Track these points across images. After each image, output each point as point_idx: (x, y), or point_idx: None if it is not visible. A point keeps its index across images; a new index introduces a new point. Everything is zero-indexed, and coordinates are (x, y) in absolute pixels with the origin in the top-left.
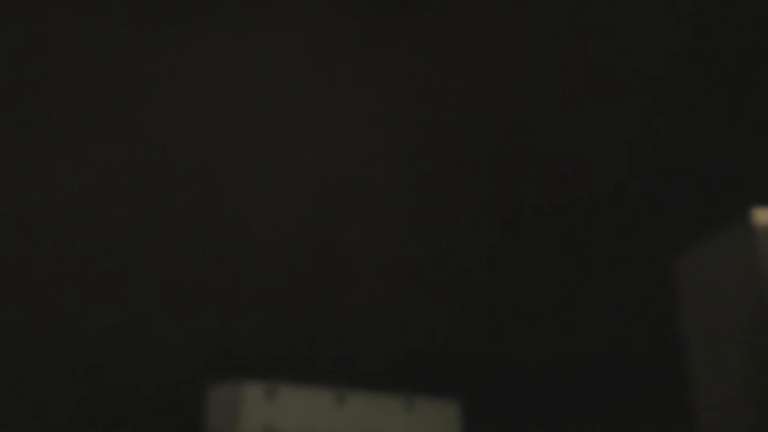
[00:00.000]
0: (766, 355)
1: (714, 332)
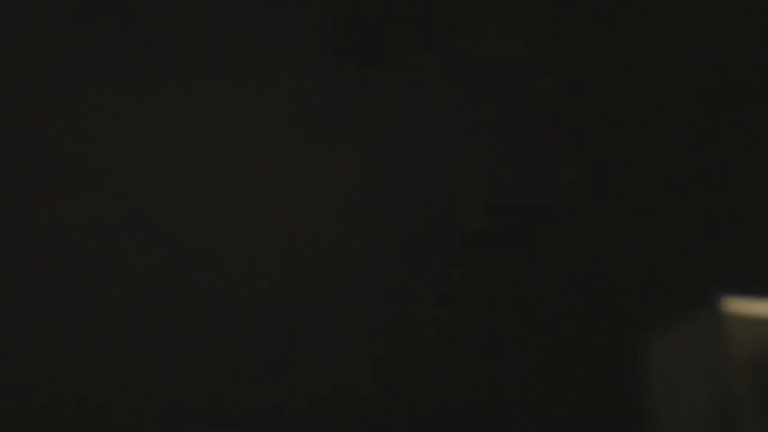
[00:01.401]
0: None
1: (680, 420)
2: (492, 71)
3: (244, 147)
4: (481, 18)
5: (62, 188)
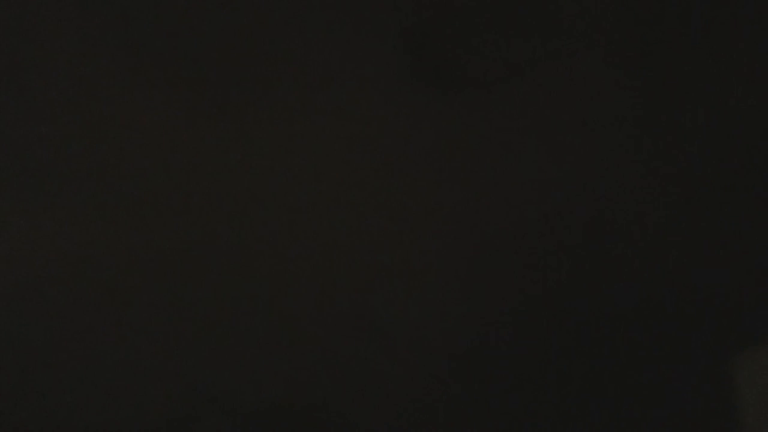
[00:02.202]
0: None
1: None
2: (577, 89)
3: (319, 180)
4: (564, 34)
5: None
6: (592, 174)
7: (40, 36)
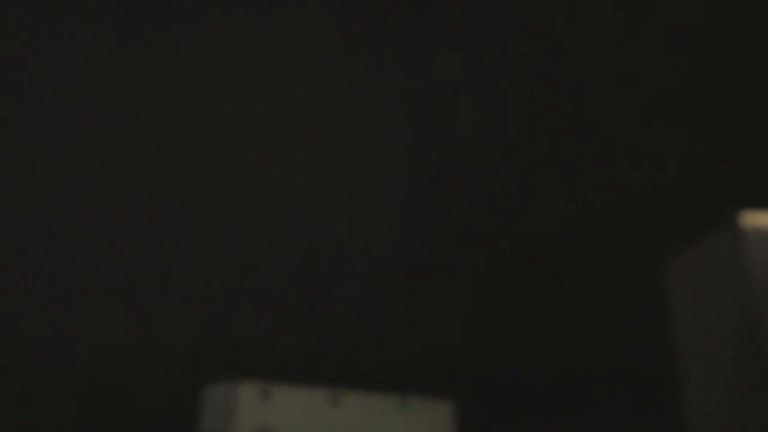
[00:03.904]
0: (756, 358)
1: (705, 335)
2: (523, 16)
3: (271, 98)
4: None
5: (92, 142)
6: (524, 88)
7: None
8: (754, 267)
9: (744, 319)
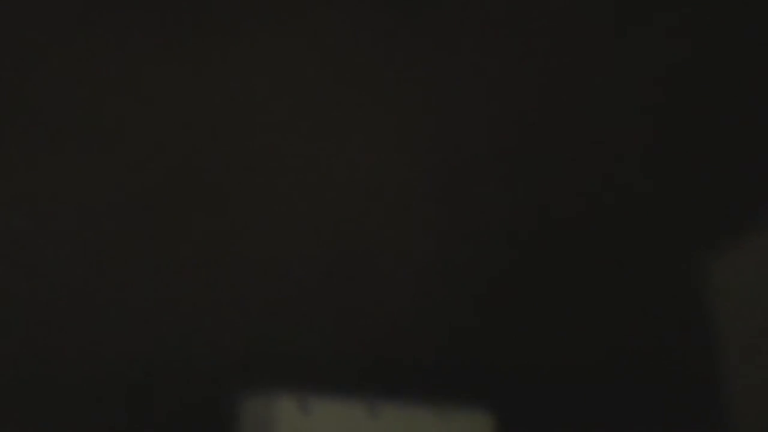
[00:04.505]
0: None
1: (750, 337)
2: (543, 13)
3: (292, 95)
4: None
5: (107, 146)
6: (543, 87)
7: None
8: None
9: None
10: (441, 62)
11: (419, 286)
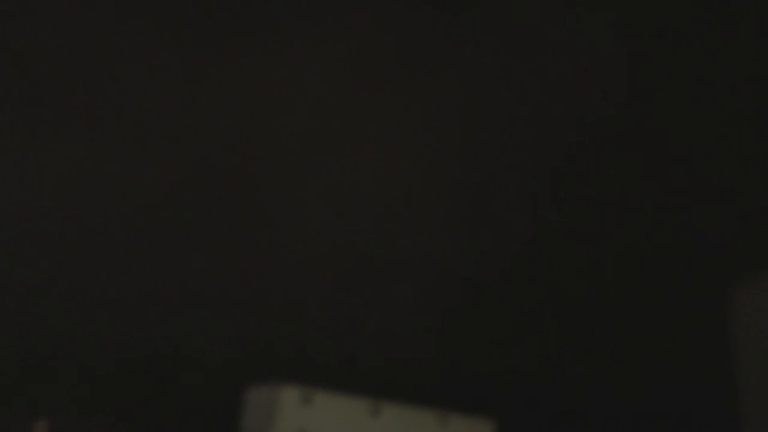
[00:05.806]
0: None
1: (766, 365)
2: (580, 26)
3: (324, 103)
4: None
5: (145, 145)
6: (574, 93)
7: None
8: None
9: None
10: (467, 78)
11: (431, 293)
